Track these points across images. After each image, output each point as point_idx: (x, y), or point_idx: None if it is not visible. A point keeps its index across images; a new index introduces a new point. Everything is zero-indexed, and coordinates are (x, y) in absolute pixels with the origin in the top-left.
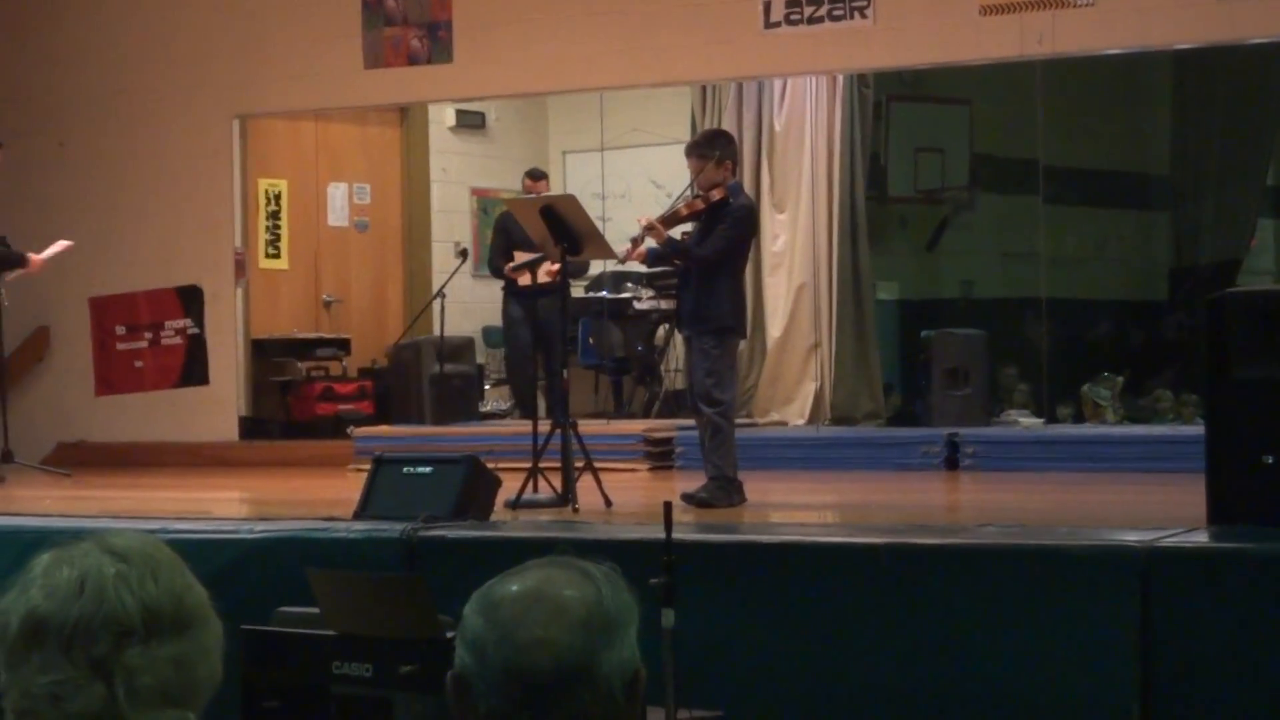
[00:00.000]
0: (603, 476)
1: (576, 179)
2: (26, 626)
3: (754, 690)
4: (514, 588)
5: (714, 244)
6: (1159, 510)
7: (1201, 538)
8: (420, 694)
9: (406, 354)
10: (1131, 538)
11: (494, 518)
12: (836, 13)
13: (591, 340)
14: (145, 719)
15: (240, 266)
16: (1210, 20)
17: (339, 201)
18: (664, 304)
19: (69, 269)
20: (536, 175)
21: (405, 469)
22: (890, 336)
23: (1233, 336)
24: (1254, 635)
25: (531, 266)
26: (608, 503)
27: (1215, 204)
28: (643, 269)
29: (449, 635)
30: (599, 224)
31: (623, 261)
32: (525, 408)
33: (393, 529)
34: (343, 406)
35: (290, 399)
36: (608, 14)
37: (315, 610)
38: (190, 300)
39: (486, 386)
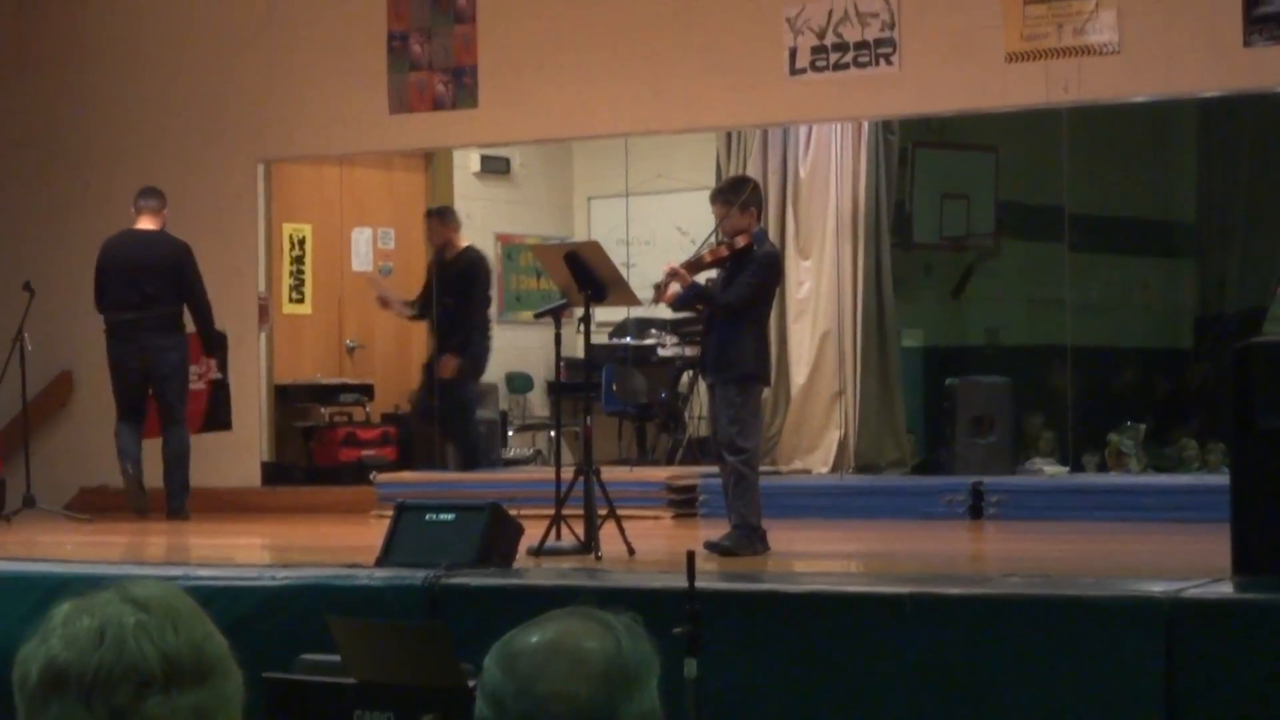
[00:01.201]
0: (626, 524)
1: (601, 225)
2: (46, 676)
3: None
4: (533, 639)
5: (738, 291)
6: (1184, 560)
7: (1226, 588)
8: None
9: (430, 400)
10: (1156, 588)
11: (517, 565)
12: (862, 59)
13: (615, 387)
14: None
15: (264, 311)
16: (1236, 68)
17: (363, 246)
18: (688, 350)
19: (93, 312)
20: (433, 213)
21: (428, 516)
22: (915, 384)
23: (1258, 386)
24: (1279, 686)
25: (555, 313)
26: (631, 550)
27: (1241, 252)
28: (667, 314)
29: (471, 684)
30: (623, 270)
31: (655, 303)
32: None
33: (415, 576)
34: (365, 452)
35: (313, 444)
36: (633, 60)
37: (337, 658)
38: (214, 345)
39: (510, 433)
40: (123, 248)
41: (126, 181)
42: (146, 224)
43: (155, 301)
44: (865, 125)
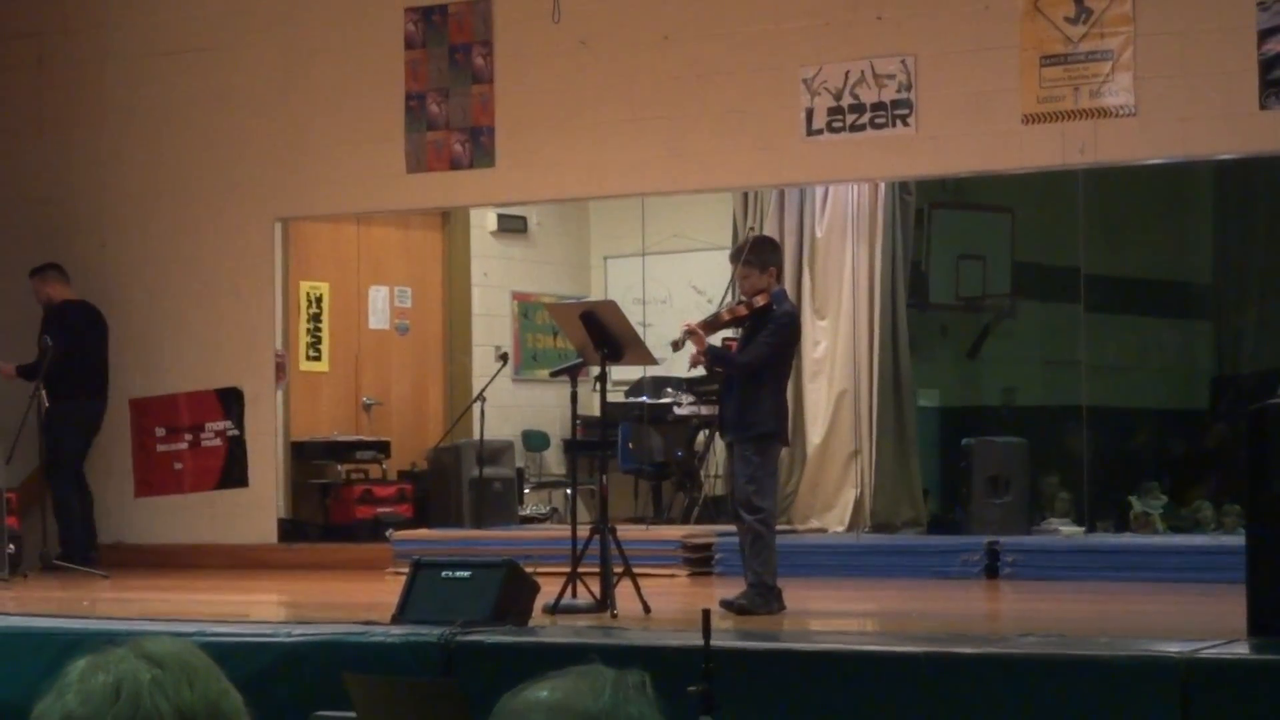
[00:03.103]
0: (641, 582)
1: (617, 284)
2: None
3: None
4: (534, 699)
5: (757, 350)
6: (1199, 621)
7: (1242, 649)
8: None
9: (446, 457)
10: (1171, 649)
11: (532, 623)
12: (879, 121)
13: (631, 445)
14: None
15: (281, 369)
16: (1252, 130)
17: (380, 304)
18: (704, 409)
19: (110, 369)
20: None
21: (444, 573)
22: (931, 444)
23: (1274, 448)
24: None
25: (571, 372)
26: (646, 609)
27: (1257, 313)
28: (684, 373)
29: None
30: (639, 329)
31: (693, 367)
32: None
33: (431, 633)
34: (382, 509)
35: (329, 501)
36: (650, 120)
37: (352, 715)
38: (230, 402)
39: (526, 490)
40: (91, 317)
41: (143, 240)
42: (71, 295)
43: (106, 365)
44: (882, 186)
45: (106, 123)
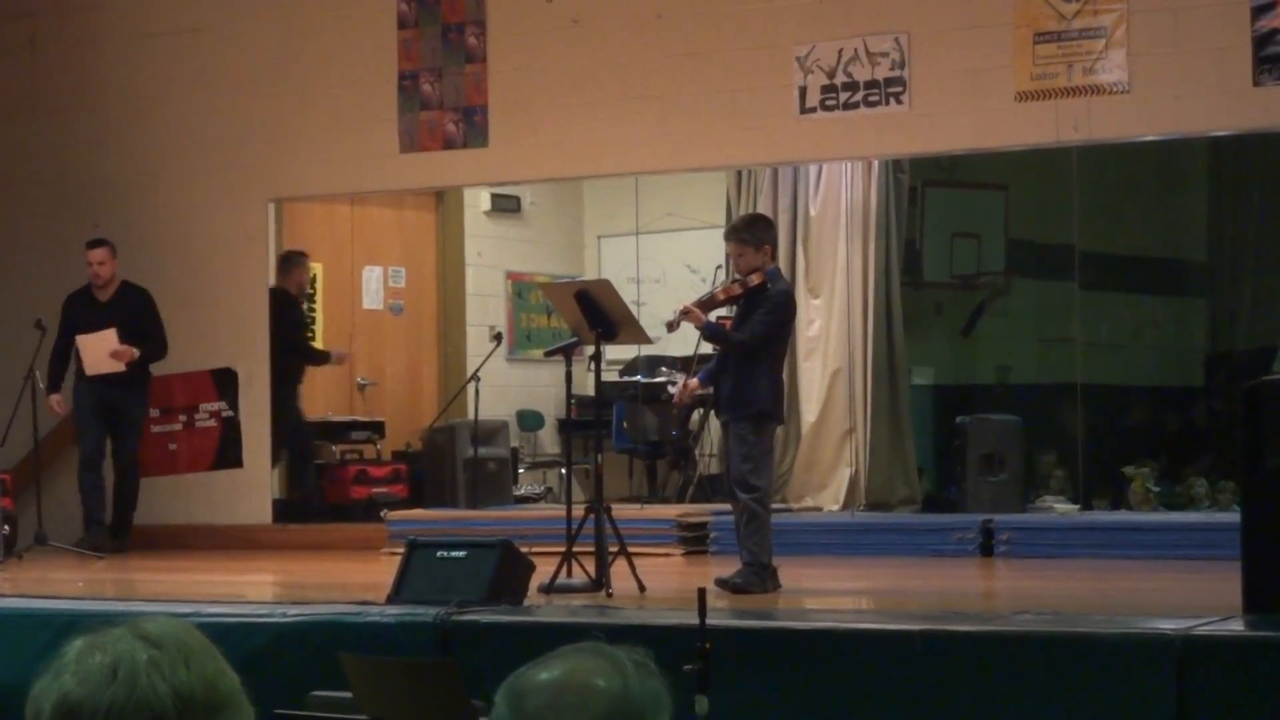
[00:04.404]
0: (636, 561)
1: (611, 263)
2: (59, 713)
3: None
4: (541, 676)
5: (753, 329)
6: (1194, 598)
7: (1237, 626)
8: None
9: (441, 437)
10: (1167, 626)
11: (528, 602)
12: (872, 98)
13: (625, 424)
14: None
15: None
16: (1246, 107)
17: (374, 284)
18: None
19: None
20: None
21: (439, 553)
22: (925, 422)
23: (1269, 425)
24: None
25: (566, 351)
26: (641, 588)
27: (1252, 290)
28: (678, 352)
29: None
30: (634, 308)
31: (678, 403)
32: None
33: (426, 613)
34: (376, 490)
35: (324, 482)
36: (643, 99)
37: (348, 695)
38: (225, 383)
39: (520, 470)
40: None
41: (136, 222)
42: None
43: None
44: (875, 164)
45: (99, 104)
